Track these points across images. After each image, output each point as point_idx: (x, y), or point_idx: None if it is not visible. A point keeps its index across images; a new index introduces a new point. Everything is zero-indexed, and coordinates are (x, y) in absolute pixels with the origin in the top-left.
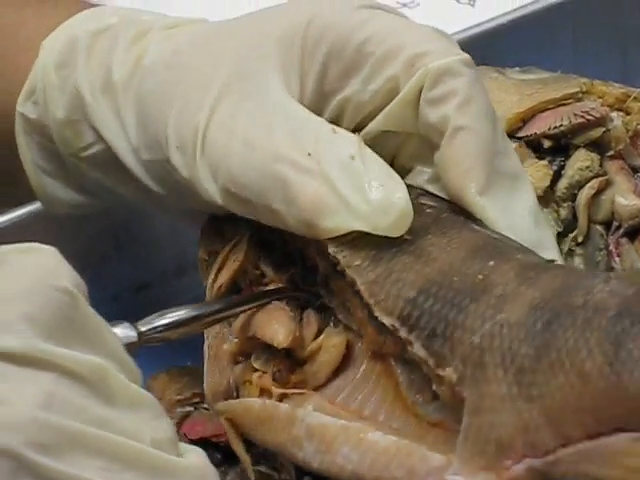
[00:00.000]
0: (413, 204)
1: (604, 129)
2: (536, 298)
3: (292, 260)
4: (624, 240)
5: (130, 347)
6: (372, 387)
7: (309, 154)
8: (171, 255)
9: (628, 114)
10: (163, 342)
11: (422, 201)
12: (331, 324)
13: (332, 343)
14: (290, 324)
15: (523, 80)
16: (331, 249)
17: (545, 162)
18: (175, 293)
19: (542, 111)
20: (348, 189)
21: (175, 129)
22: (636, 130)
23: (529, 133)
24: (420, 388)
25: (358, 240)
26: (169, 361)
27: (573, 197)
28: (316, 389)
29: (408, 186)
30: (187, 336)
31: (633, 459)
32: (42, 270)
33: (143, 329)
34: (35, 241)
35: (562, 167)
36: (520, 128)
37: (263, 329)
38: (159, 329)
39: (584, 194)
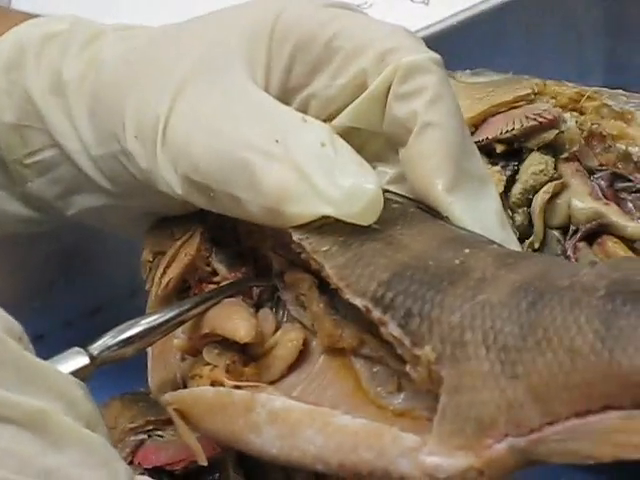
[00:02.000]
0: None
1: (557, 131)
2: (517, 281)
3: (244, 259)
4: (582, 244)
5: (84, 373)
6: (329, 381)
7: (277, 141)
8: (123, 277)
9: (582, 114)
10: (119, 362)
11: (388, 196)
12: (285, 321)
13: (289, 337)
14: (251, 319)
15: (473, 83)
16: (295, 236)
17: (498, 167)
18: (129, 315)
19: (493, 115)
20: (318, 175)
21: (134, 118)
22: (591, 130)
23: (481, 138)
24: (383, 381)
25: (325, 228)
26: (123, 386)
27: (528, 202)
28: (270, 384)
29: None
30: (143, 350)
31: (622, 436)
32: None
33: (96, 352)
34: None
35: (516, 172)
36: (472, 133)
37: (222, 325)
38: (113, 349)
39: (539, 199)
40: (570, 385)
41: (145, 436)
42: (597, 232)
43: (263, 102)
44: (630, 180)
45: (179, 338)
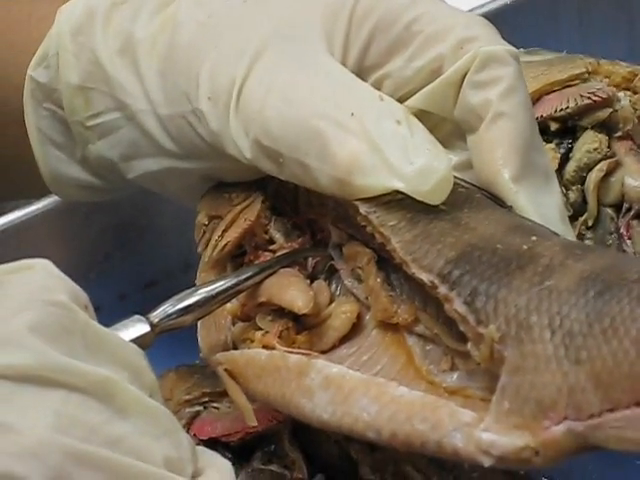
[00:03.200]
0: None
1: (611, 110)
2: (585, 271)
3: (301, 230)
4: (635, 222)
5: (144, 340)
6: (380, 355)
7: (352, 114)
8: (178, 251)
9: (635, 93)
10: (178, 330)
11: (455, 181)
12: (338, 294)
13: (343, 309)
14: (309, 290)
15: (528, 62)
16: (363, 209)
17: (552, 145)
18: (183, 289)
19: (548, 93)
20: (391, 150)
21: (209, 79)
22: None
23: (535, 116)
24: (436, 359)
25: (392, 203)
26: (177, 358)
27: (582, 180)
28: (321, 354)
29: None
30: (201, 318)
31: None
32: (34, 287)
33: (156, 320)
34: (39, 241)
35: (570, 150)
36: None
37: (280, 295)
38: (172, 317)
39: (593, 176)
40: (633, 374)
41: (201, 408)
42: None
43: (340, 75)
44: None
45: (232, 303)
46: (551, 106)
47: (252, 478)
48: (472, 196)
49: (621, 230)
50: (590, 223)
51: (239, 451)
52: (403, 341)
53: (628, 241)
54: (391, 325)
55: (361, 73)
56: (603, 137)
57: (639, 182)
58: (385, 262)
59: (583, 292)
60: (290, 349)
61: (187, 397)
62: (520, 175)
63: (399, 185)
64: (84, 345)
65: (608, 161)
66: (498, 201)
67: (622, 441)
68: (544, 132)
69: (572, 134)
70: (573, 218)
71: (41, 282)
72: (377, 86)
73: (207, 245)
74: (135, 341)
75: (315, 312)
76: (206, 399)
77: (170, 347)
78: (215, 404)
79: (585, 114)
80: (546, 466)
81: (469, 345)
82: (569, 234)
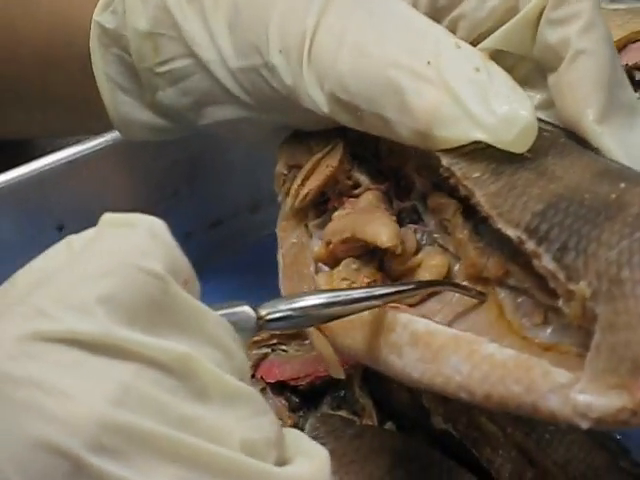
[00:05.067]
0: None
1: None
2: None
3: (385, 176)
4: None
5: (246, 327)
6: (471, 309)
7: (429, 63)
8: (245, 189)
9: None
10: (287, 329)
11: (539, 125)
12: (425, 242)
13: (433, 262)
14: (394, 225)
15: (613, 10)
16: (445, 161)
17: (638, 95)
18: (249, 229)
19: (634, 42)
20: (471, 99)
21: (278, 32)
22: None
23: (621, 64)
24: (528, 312)
25: (475, 153)
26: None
27: None
28: (409, 307)
29: None
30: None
31: None
32: (131, 249)
33: (263, 312)
34: (109, 172)
35: None
36: None
37: (364, 228)
38: (283, 314)
39: None
40: None
41: (268, 350)
42: None
43: (413, 19)
44: None
45: (317, 245)
46: (637, 55)
47: (321, 423)
48: (557, 141)
49: None
50: None
51: (308, 395)
52: (494, 294)
53: None
54: (481, 278)
55: (435, 14)
56: None
57: None
58: (472, 211)
59: None
60: None
61: (255, 339)
62: (604, 115)
63: (482, 136)
64: (173, 320)
65: None
66: (583, 143)
67: None
68: (630, 81)
69: None
70: None
71: (137, 244)
72: (452, 27)
73: (287, 194)
74: (235, 326)
75: (400, 251)
76: (274, 341)
77: (232, 289)
78: (283, 347)
79: None
80: None
81: (560, 301)
82: None
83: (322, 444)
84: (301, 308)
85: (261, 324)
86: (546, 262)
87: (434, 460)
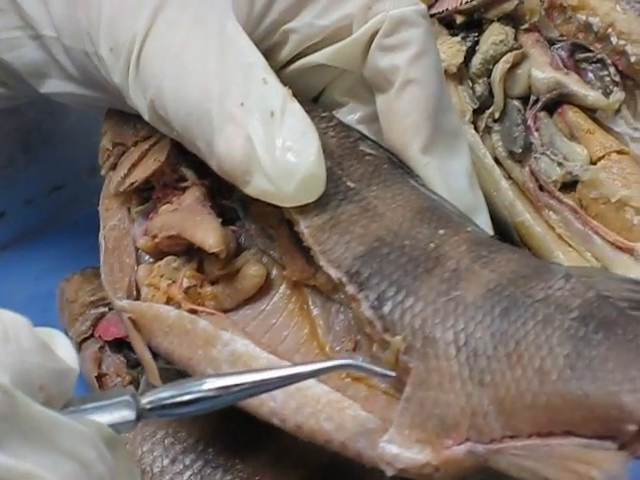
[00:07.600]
0: (352, 150)
1: (517, 1)
2: (492, 281)
3: (210, 170)
4: (542, 114)
5: (124, 426)
6: (286, 321)
7: (242, 104)
8: (82, 155)
9: None
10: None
11: (361, 147)
12: (244, 242)
13: (252, 271)
14: (222, 229)
15: None
16: None
17: (458, 38)
18: (89, 193)
19: None
20: (262, 149)
21: (109, 26)
22: (551, 1)
23: (441, 9)
24: (339, 336)
25: None
26: (84, 262)
27: (488, 73)
28: (225, 311)
29: (348, 129)
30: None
31: (584, 467)
32: None
33: (147, 405)
34: None
35: (476, 43)
36: (432, 5)
37: (193, 231)
38: (166, 405)
39: (499, 69)
40: (535, 405)
41: (105, 309)
42: (557, 102)
43: (235, 41)
44: (590, 50)
45: (139, 232)
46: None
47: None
48: (380, 167)
49: (528, 122)
50: (497, 116)
51: None
52: (307, 310)
53: (535, 133)
54: (296, 290)
55: (269, 24)
56: (509, 29)
57: (546, 74)
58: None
59: (489, 308)
60: (195, 306)
61: (92, 298)
62: (429, 144)
63: (270, 187)
64: (20, 434)
65: (514, 53)
66: (406, 168)
67: (522, 470)
68: (450, 26)
69: (478, 27)
70: (480, 111)
71: None
72: (284, 38)
73: (111, 169)
74: (113, 422)
75: (225, 256)
76: None
77: (75, 251)
78: None
79: (491, 6)
80: None
81: (374, 348)
82: (477, 202)
83: None
84: (186, 401)
85: (142, 414)
86: (364, 309)
87: None
